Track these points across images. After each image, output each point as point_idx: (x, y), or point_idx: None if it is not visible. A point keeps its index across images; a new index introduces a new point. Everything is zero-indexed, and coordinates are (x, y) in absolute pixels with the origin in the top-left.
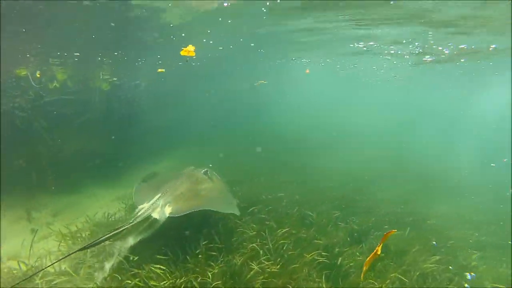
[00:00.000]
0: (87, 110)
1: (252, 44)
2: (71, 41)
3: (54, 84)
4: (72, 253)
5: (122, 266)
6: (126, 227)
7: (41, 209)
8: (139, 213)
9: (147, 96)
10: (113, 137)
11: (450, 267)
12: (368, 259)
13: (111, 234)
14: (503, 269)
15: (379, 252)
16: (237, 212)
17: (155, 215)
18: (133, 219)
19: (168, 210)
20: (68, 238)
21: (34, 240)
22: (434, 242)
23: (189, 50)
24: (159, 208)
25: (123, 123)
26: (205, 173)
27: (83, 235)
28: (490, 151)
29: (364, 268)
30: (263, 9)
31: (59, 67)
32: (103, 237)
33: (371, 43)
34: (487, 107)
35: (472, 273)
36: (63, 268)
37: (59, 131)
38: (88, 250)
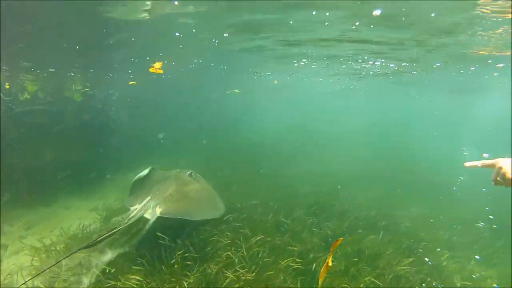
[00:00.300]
0: (60, 120)
1: (212, 64)
2: (44, 54)
3: (25, 96)
4: (71, 254)
5: (99, 279)
6: (121, 227)
7: (14, 223)
8: (131, 214)
9: (121, 106)
10: (101, 150)
11: (426, 258)
12: (322, 271)
13: (109, 233)
14: (470, 266)
15: (330, 264)
16: (222, 211)
17: (147, 215)
18: (127, 219)
19: (158, 211)
20: (41, 251)
21: (4, 255)
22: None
23: (157, 67)
24: (150, 209)
25: (97, 133)
26: (190, 175)
27: (58, 248)
28: (469, 153)
29: (320, 280)
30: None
31: (31, 81)
32: (102, 236)
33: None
34: (467, 112)
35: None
36: (35, 284)
37: (32, 142)
38: (63, 263)
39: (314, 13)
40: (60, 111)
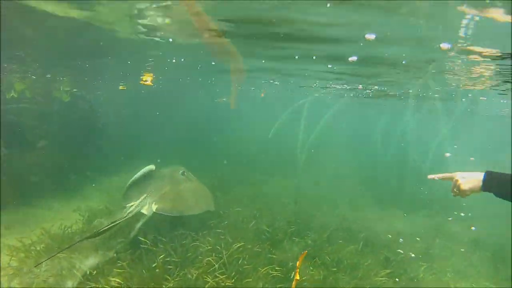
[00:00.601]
0: (45, 120)
1: (200, 79)
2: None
3: (11, 94)
4: (70, 246)
5: (79, 280)
6: (120, 221)
7: None
8: (129, 210)
9: (108, 109)
10: (86, 151)
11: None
12: (292, 285)
13: (111, 225)
14: (446, 279)
15: (297, 277)
16: (213, 208)
17: (144, 211)
18: (126, 214)
19: (154, 207)
20: (20, 251)
21: None
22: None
23: (146, 80)
24: (147, 205)
25: (82, 134)
26: (183, 173)
27: (38, 248)
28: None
29: None
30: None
31: (19, 80)
32: (105, 227)
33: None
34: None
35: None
36: (11, 284)
37: (15, 141)
38: (43, 264)
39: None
40: (46, 111)
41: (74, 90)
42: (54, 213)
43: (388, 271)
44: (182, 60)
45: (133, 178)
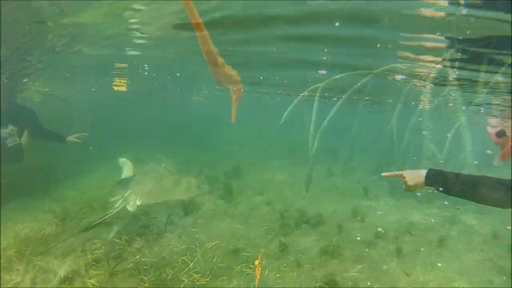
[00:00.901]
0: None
1: (168, 86)
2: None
3: None
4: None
5: (53, 283)
6: (107, 216)
7: None
8: (115, 205)
9: (80, 107)
10: (59, 150)
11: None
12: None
13: (100, 220)
14: (416, 272)
15: (258, 277)
16: (189, 197)
17: (129, 207)
18: (112, 210)
19: (138, 202)
20: None
21: None
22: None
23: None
24: (132, 201)
25: (56, 133)
26: (165, 168)
27: (8, 253)
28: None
29: None
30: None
31: None
32: (96, 222)
33: None
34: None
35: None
36: None
37: None
38: (14, 270)
39: None
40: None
41: (46, 89)
42: (26, 214)
43: (360, 266)
44: (154, 75)
45: (121, 176)
